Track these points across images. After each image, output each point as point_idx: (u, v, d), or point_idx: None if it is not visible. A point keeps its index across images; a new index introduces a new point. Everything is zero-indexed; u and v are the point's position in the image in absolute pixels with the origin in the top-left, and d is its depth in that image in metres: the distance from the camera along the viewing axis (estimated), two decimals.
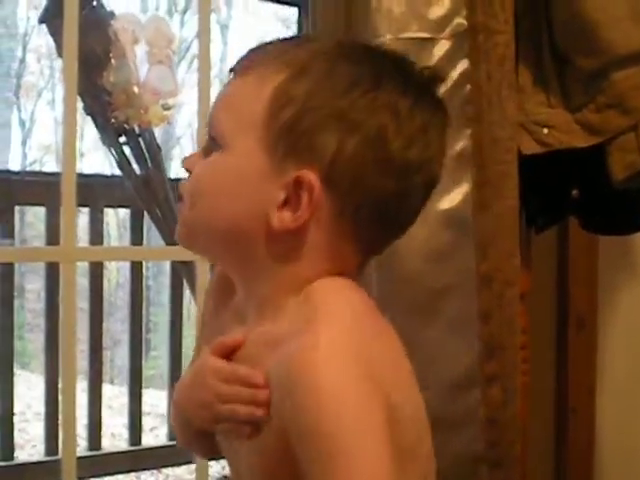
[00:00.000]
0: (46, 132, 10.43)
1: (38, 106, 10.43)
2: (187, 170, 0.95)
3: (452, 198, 1.49)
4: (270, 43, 0.93)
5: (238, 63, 0.93)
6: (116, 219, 8.88)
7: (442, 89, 1.45)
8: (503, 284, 1.48)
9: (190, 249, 0.99)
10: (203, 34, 1.77)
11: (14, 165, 9.94)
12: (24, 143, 10.29)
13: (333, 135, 0.85)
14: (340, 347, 0.84)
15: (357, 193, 0.87)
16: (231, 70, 0.94)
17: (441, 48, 1.50)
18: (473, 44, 1.47)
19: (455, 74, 1.49)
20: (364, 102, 0.86)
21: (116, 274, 9.42)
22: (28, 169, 9.90)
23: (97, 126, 2.61)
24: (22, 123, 10.27)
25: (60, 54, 1.76)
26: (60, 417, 3.37)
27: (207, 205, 0.91)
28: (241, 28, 10.75)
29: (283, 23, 10.48)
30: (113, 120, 2.50)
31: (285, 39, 0.96)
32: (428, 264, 1.49)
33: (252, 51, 0.93)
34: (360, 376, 0.83)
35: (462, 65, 1.49)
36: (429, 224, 1.48)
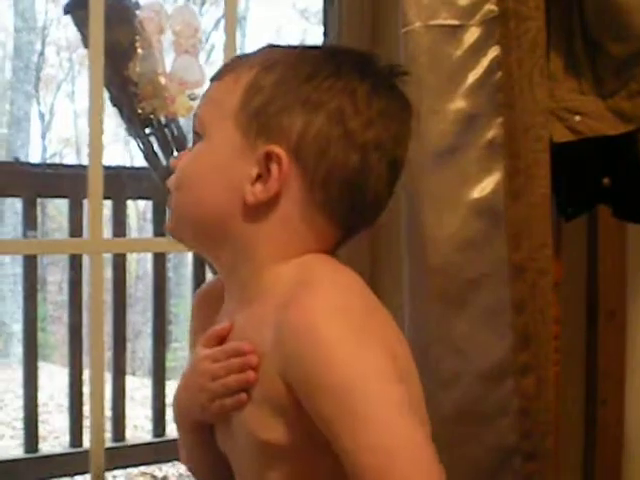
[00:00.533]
0: (66, 125, 10.47)
1: (57, 99, 10.48)
2: (173, 169, 1.04)
3: (483, 187, 1.47)
4: (244, 54, 1.06)
5: (218, 71, 1.04)
6: (136, 211, 8.90)
7: (472, 77, 1.47)
8: (536, 274, 1.46)
9: (179, 240, 1.06)
10: (229, 25, 1.77)
11: (34, 158, 9.99)
12: (44, 136, 10.34)
13: (298, 115, 0.96)
14: (338, 302, 0.92)
15: (323, 166, 0.97)
16: (211, 79, 1.05)
17: (471, 35, 1.48)
18: (504, 31, 1.45)
19: (486, 61, 1.47)
20: (325, 86, 0.97)
21: (136, 266, 9.45)
22: (48, 162, 9.94)
23: (123, 117, 2.60)
24: (42, 116, 10.31)
25: (86, 45, 1.75)
26: (85, 409, 3.38)
27: (190, 193, 1.00)
28: (259, 19, 10.75)
29: (302, 14, 10.47)
30: (140, 111, 2.49)
31: (253, 51, 1.06)
32: (460, 254, 1.47)
33: (230, 60, 1.05)
34: (361, 326, 0.91)
35: (493, 52, 1.47)
36: (460, 213, 1.46)
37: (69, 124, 10.56)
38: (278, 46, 1.07)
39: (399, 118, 1.02)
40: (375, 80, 1.00)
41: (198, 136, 1.02)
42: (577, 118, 1.51)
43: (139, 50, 2.39)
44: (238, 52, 1.66)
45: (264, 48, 1.05)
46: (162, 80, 2.45)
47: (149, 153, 2.69)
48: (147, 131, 2.66)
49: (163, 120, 2.66)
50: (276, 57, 1.01)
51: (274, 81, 0.98)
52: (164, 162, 2.74)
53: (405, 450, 0.84)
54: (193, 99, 2.58)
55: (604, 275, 1.99)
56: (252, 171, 0.97)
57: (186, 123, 3.05)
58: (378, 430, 0.85)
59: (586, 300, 2.00)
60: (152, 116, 2.56)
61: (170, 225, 1.05)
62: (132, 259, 9.75)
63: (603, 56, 1.52)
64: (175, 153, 2.73)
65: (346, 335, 0.89)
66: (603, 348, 1.98)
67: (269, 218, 0.98)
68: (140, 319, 8.74)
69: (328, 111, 0.97)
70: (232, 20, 1.79)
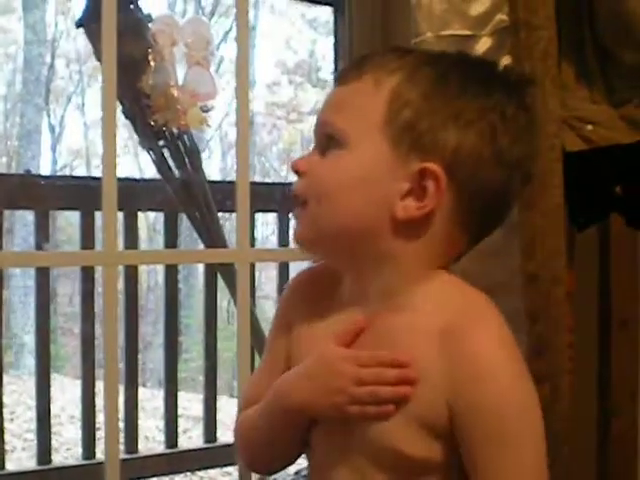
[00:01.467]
0: (76, 137, 10.49)
1: (67, 111, 10.50)
2: (298, 172, 1.02)
3: None
4: (369, 54, 1.04)
5: (345, 71, 1.04)
6: (146, 223, 8.91)
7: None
8: (550, 283, 1.46)
9: (311, 249, 1.06)
10: (241, 38, 1.77)
11: (44, 170, 10.00)
12: (54, 148, 10.36)
13: (452, 132, 0.96)
14: (505, 336, 0.98)
15: (473, 184, 0.97)
16: (336, 79, 1.06)
17: (483, 45, 1.48)
18: (515, 41, 1.46)
19: None
20: (476, 105, 0.97)
21: (146, 277, 9.45)
22: (59, 174, 9.95)
23: (136, 129, 2.61)
24: (52, 128, 10.33)
25: (98, 58, 1.75)
26: (97, 421, 3.38)
27: (335, 203, 0.98)
28: (268, 30, 10.76)
29: (311, 24, 10.48)
30: (152, 123, 2.49)
31: (377, 51, 1.06)
32: (476, 263, 1.46)
33: (360, 60, 1.03)
34: (521, 359, 0.99)
35: (504, 62, 1.47)
36: None
37: (79, 136, 10.58)
38: (404, 49, 1.07)
39: (533, 132, 1.03)
40: (518, 96, 1.01)
41: (332, 141, 1.00)
42: (589, 127, 1.51)
43: (152, 62, 2.40)
44: (247, 64, 1.65)
45: (390, 51, 1.04)
46: (174, 92, 2.46)
47: (162, 165, 2.69)
48: (160, 143, 2.66)
49: (175, 132, 2.66)
50: (415, 64, 0.99)
51: (421, 94, 0.97)
52: (176, 174, 2.74)
53: None
54: (205, 111, 2.58)
55: (616, 284, 1.98)
56: (403, 186, 0.97)
57: (197, 135, 3.05)
58: (527, 469, 0.95)
59: (598, 310, 2.00)
60: (165, 128, 2.56)
61: (304, 235, 1.03)
62: (142, 270, 9.74)
63: (614, 65, 1.52)
64: (188, 165, 2.73)
65: (518, 369, 0.97)
66: (616, 357, 1.98)
67: (418, 234, 0.98)
68: (151, 330, 8.73)
69: (481, 129, 0.97)
70: (244, 32, 1.79)
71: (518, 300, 1.45)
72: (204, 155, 10.36)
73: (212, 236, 2.75)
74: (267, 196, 3.57)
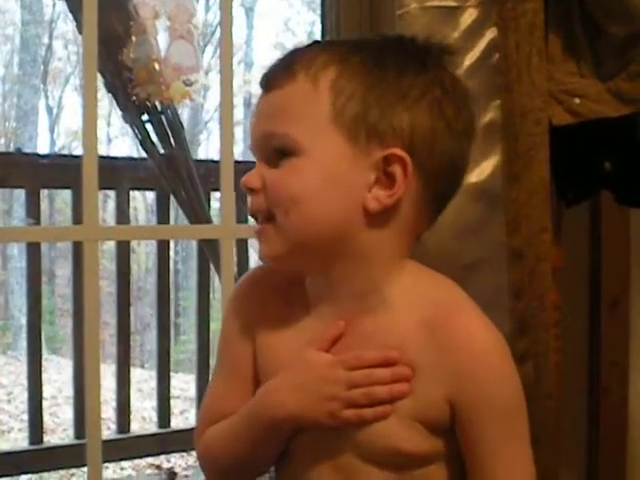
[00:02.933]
0: (74, 118, 10.45)
1: (65, 92, 10.47)
2: (251, 189, 0.98)
3: (481, 171, 1.45)
4: (293, 52, 1.01)
5: (273, 75, 0.99)
6: (144, 203, 8.90)
7: (469, 60, 1.45)
8: (535, 259, 1.44)
9: (282, 264, 1.01)
10: (225, 18, 1.75)
11: (42, 151, 9.99)
12: (52, 130, 10.34)
13: (404, 114, 0.95)
14: (489, 323, 1.00)
15: (433, 162, 0.96)
16: (264, 85, 1.00)
17: (468, 17, 1.46)
18: (501, 12, 1.43)
19: (482, 44, 1.46)
20: (418, 82, 0.96)
21: (145, 259, 9.46)
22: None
23: (119, 104, 2.58)
24: (49, 110, 10.31)
25: (80, 31, 1.73)
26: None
27: (304, 210, 0.95)
28: (266, 11, 10.72)
29: (309, 6, 10.43)
30: (134, 97, 2.46)
31: (300, 47, 1.02)
32: (457, 239, 1.45)
33: (285, 60, 0.99)
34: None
35: (490, 34, 1.45)
36: (458, 198, 1.42)
37: (77, 117, 10.54)
38: (326, 42, 1.07)
39: (469, 97, 1.03)
40: (447, 65, 1.01)
41: (282, 153, 0.96)
42: (576, 100, 1.49)
43: (133, 35, 2.37)
44: (242, 42, 1.63)
45: (314, 45, 1.02)
46: (157, 66, 2.43)
47: (145, 141, 2.66)
48: (143, 118, 2.63)
49: (159, 107, 2.63)
50: (342, 55, 0.97)
51: (363, 83, 0.95)
52: (161, 149, 2.71)
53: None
54: (188, 85, 2.55)
55: (607, 262, 1.97)
56: (369, 177, 0.95)
57: (187, 116, 3.02)
58: (529, 455, 0.99)
59: (589, 288, 1.98)
60: (147, 102, 2.53)
61: (275, 250, 0.99)
62: (141, 252, 9.76)
63: (603, 37, 1.49)
64: (172, 141, 2.70)
65: (510, 360, 1.00)
66: (606, 336, 1.96)
67: (389, 222, 0.97)
68: (149, 311, 8.74)
69: (428, 104, 0.96)
70: (228, 13, 1.76)
71: (500, 276, 1.43)
72: (202, 136, 10.34)
73: (196, 212, 2.73)
74: None
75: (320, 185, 0.95)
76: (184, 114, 10.37)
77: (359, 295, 0.99)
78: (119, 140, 9.93)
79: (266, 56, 10.02)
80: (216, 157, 1.74)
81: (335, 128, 0.94)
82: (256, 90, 1.06)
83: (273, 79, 0.99)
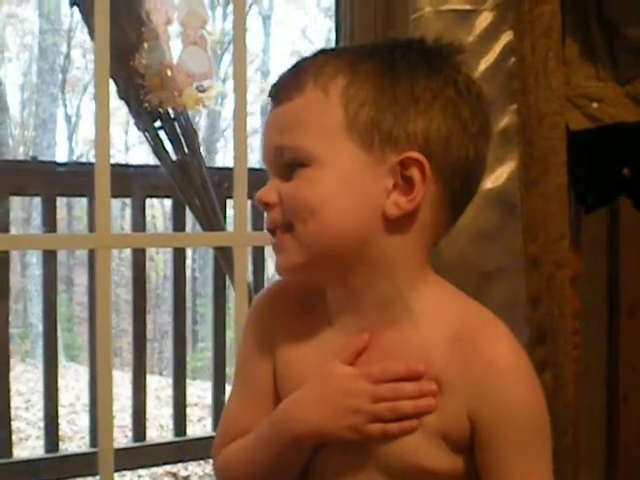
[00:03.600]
0: (92, 126, 10.50)
1: (83, 101, 10.51)
2: (267, 204, 0.97)
3: (497, 177, 1.43)
4: (300, 63, 0.99)
5: (282, 87, 0.98)
6: (162, 211, 8.92)
7: (485, 64, 1.43)
8: (553, 266, 1.41)
9: (301, 274, 0.99)
10: (238, 25, 1.75)
11: (60, 159, 10.03)
12: (70, 138, 10.39)
13: (417, 118, 0.93)
14: (515, 341, 0.98)
15: (450, 164, 0.95)
16: (273, 98, 0.98)
17: (484, 20, 1.44)
18: (517, 15, 1.41)
19: (498, 47, 1.44)
20: (430, 85, 0.94)
21: (163, 267, 9.48)
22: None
23: (131, 110, 2.57)
24: (68, 118, 10.36)
25: (92, 37, 1.72)
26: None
27: (323, 218, 0.93)
28: (283, 19, 10.73)
29: (326, 13, 10.44)
30: (146, 104, 2.45)
31: (307, 57, 1.00)
32: (474, 246, 1.43)
33: (293, 72, 0.98)
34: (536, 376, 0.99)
35: (506, 37, 1.43)
36: (474, 204, 1.39)
37: (94, 126, 10.59)
38: (333, 49, 1.04)
39: (484, 98, 1.01)
40: (459, 65, 0.99)
41: (297, 165, 0.95)
42: (594, 105, 1.47)
43: (145, 41, 2.36)
44: (259, 50, 1.62)
45: (321, 54, 1.00)
46: (169, 72, 2.41)
47: (158, 147, 2.65)
48: (156, 125, 2.62)
49: (171, 113, 2.62)
50: (351, 62, 0.96)
51: (372, 89, 0.94)
52: (173, 156, 2.70)
53: None
54: (201, 91, 2.53)
55: (625, 269, 1.94)
56: (387, 183, 0.94)
57: (204, 124, 3.01)
58: (549, 477, 0.96)
59: (607, 295, 1.95)
60: (160, 109, 2.52)
61: (293, 260, 0.96)
62: (159, 260, 9.79)
63: (620, 40, 1.47)
64: (185, 148, 2.69)
65: (535, 380, 0.97)
66: (625, 344, 1.94)
67: (410, 228, 0.95)
68: (167, 319, 8.76)
69: (442, 106, 0.95)
70: (241, 21, 1.76)
71: (519, 285, 1.41)
72: (219, 144, 10.36)
73: (210, 219, 2.71)
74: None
75: (336, 192, 0.93)
76: (201, 122, 10.43)
77: (382, 306, 0.97)
78: (137, 148, 9.97)
79: (283, 64, 10.03)
80: (231, 164, 1.73)
81: (349, 136, 0.93)
82: None
83: (282, 91, 0.97)
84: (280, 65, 10.34)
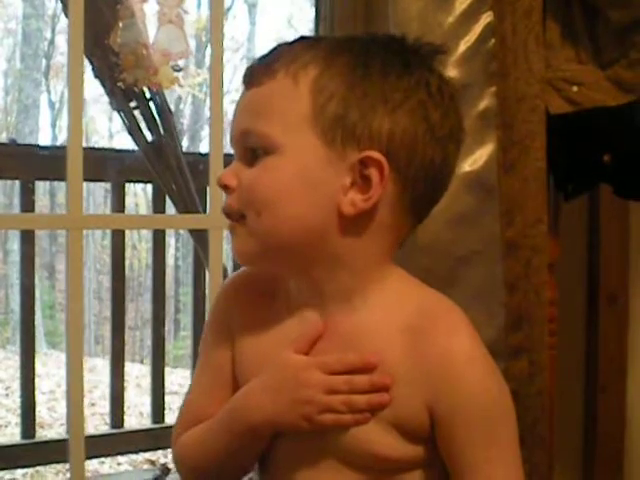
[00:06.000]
0: None
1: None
2: (227, 187, 0.95)
3: (475, 160, 1.41)
4: (276, 49, 0.97)
5: (254, 71, 0.96)
6: (145, 199, 8.89)
7: (464, 45, 1.41)
8: (530, 251, 1.40)
9: (256, 263, 0.99)
10: (216, 11, 1.73)
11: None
12: (54, 124, 10.33)
13: (384, 118, 0.91)
14: (476, 336, 0.95)
15: (413, 167, 0.93)
16: (245, 81, 0.96)
17: (463, 1, 1.42)
18: None
19: (478, 28, 1.41)
20: (401, 85, 0.92)
21: (145, 255, 9.46)
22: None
23: (106, 89, 2.53)
24: (52, 104, 10.29)
25: (67, 14, 1.69)
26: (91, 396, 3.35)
27: (276, 212, 0.92)
28: (269, 7, 10.68)
29: (310, 2, 10.40)
30: (121, 83, 2.42)
31: (284, 43, 0.98)
32: (450, 230, 1.41)
33: (268, 57, 0.96)
34: (496, 366, 0.97)
35: (486, 18, 1.41)
36: (451, 187, 1.39)
37: None
38: (312, 38, 1.02)
39: (458, 101, 0.99)
40: (436, 68, 0.97)
41: (258, 151, 0.93)
42: (575, 88, 1.45)
43: (120, 19, 2.33)
44: (244, 39, 1.60)
45: (298, 42, 0.98)
46: (144, 51, 2.38)
47: (133, 127, 2.62)
48: (131, 105, 2.59)
49: (147, 93, 2.59)
50: (326, 53, 0.93)
51: (345, 83, 0.91)
52: (149, 137, 2.67)
53: None
54: (177, 70, 2.50)
55: (605, 257, 1.93)
56: (345, 180, 0.91)
57: (189, 112, 2.98)
58: (515, 463, 0.94)
59: (586, 283, 1.94)
60: (135, 88, 2.49)
61: (247, 249, 0.95)
62: (142, 249, 9.76)
63: (602, 23, 1.46)
64: (160, 128, 2.66)
65: (493, 368, 0.95)
66: (604, 333, 1.93)
67: (366, 227, 0.93)
68: (149, 308, 8.73)
69: (411, 108, 0.92)
70: (219, 7, 1.74)
71: (495, 269, 1.39)
72: (204, 132, 10.31)
73: (185, 202, 2.68)
74: None
75: (294, 186, 0.92)
76: (186, 109, 10.39)
77: (341, 297, 0.96)
78: (120, 135, 9.91)
79: None
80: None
81: (312, 128, 0.91)
82: None
83: (254, 75, 0.95)
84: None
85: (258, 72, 0.95)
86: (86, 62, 2.31)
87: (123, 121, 2.61)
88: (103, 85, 2.52)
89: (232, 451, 1.00)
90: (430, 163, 0.94)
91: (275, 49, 0.97)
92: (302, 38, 0.99)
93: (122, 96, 2.52)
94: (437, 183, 0.97)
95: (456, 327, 0.94)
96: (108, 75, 2.43)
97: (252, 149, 0.94)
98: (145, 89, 2.56)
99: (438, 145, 0.94)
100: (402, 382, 0.92)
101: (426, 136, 0.93)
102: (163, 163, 2.65)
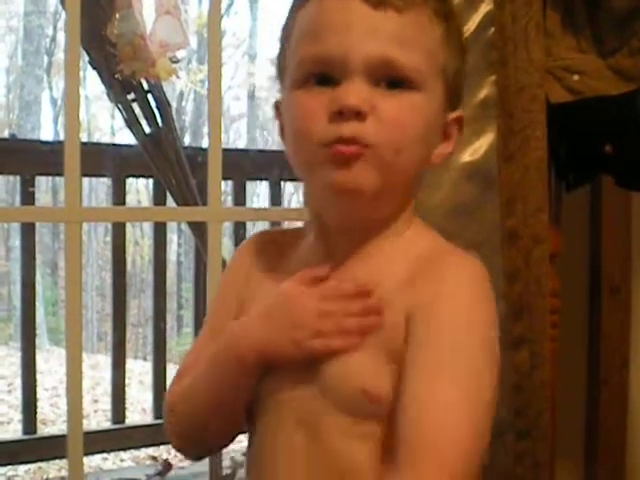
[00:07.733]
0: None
1: None
2: (359, 113, 0.87)
3: (475, 149, 1.40)
4: None
5: None
6: (147, 195, 8.89)
7: (464, 34, 1.40)
8: (531, 241, 1.38)
9: (369, 201, 0.91)
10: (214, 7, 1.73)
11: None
12: (55, 121, 10.33)
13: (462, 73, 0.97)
14: (481, 278, 0.93)
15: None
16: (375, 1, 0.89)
17: None
18: None
19: (478, 17, 1.40)
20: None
21: (148, 251, 9.46)
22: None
23: (103, 81, 2.53)
24: (54, 101, 10.29)
25: (63, 5, 1.68)
26: (85, 392, 3.35)
27: (412, 153, 0.91)
28: (271, 3, 10.67)
29: None
30: (118, 74, 2.41)
31: None
32: (450, 219, 1.40)
33: None
34: (489, 302, 0.92)
35: (485, 6, 1.40)
36: (451, 177, 1.39)
37: (80, 109, 10.54)
38: None
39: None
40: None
41: (398, 80, 0.89)
42: (575, 77, 1.44)
43: (117, 10, 2.32)
44: (246, 35, 1.59)
45: None
46: (142, 42, 2.37)
47: (131, 119, 2.61)
48: (130, 97, 2.58)
49: (145, 85, 2.58)
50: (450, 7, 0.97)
51: (459, 41, 0.97)
52: (147, 129, 2.66)
53: (469, 429, 0.86)
54: (175, 62, 2.50)
55: (608, 249, 1.92)
56: (440, 134, 0.96)
57: (191, 107, 2.97)
58: (476, 412, 0.87)
59: (589, 275, 1.93)
60: (133, 80, 2.48)
61: (371, 184, 0.89)
62: (145, 245, 9.76)
63: (603, 11, 1.44)
64: (158, 120, 2.65)
65: (489, 304, 0.91)
66: (606, 325, 1.92)
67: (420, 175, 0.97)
68: (152, 304, 8.72)
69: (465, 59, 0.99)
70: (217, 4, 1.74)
71: (496, 259, 1.38)
72: (206, 129, 10.32)
73: (184, 194, 2.67)
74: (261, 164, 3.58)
75: (425, 130, 0.92)
76: (188, 105, 10.39)
77: (368, 252, 0.95)
78: (123, 132, 9.91)
79: (270, 48, 9.99)
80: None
81: (443, 76, 0.93)
82: (261, 82, 1.00)
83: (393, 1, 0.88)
84: (267, 49, 10.28)
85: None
86: (84, 54, 2.30)
87: (122, 114, 2.60)
88: (100, 77, 2.51)
89: (219, 386, 0.97)
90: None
91: None
92: None
93: (120, 88, 2.51)
94: None
95: (465, 262, 0.93)
96: (105, 67, 2.42)
97: (390, 80, 0.88)
98: (143, 81, 2.55)
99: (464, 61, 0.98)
100: (396, 308, 0.89)
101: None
102: (162, 156, 2.64)
